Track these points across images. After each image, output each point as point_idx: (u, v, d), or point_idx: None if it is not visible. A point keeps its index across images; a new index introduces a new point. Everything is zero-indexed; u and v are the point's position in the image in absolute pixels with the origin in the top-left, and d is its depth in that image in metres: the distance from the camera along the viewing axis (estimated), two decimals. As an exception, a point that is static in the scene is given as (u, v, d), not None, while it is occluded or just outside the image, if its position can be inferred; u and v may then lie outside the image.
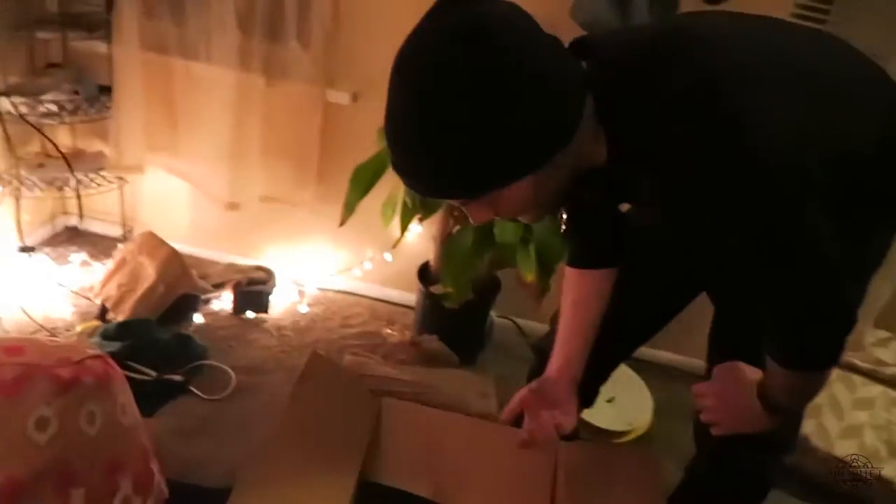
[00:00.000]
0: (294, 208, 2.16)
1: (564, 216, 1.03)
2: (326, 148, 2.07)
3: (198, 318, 2.01)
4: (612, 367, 1.30)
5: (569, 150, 0.80)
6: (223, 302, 2.09)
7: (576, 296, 1.16)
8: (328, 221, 2.07)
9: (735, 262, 0.85)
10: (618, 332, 1.17)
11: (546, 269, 1.80)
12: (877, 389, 1.80)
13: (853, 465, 1.71)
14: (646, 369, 2.13)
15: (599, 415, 1.84)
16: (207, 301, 2.07)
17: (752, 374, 0.98)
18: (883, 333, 1.94)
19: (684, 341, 2.16)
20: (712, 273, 1.14)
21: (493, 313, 2.09)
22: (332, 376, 1.35)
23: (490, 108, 0.74)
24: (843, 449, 1.73)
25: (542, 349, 1.32)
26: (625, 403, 1.95)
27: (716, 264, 1.10)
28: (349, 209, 1.78)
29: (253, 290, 2.08)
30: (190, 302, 2.00)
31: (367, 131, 1.75)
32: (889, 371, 1.80)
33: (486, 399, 1.82)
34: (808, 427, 1.72)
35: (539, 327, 2.14)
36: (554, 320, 1.32)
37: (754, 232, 0.80)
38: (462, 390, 1.82)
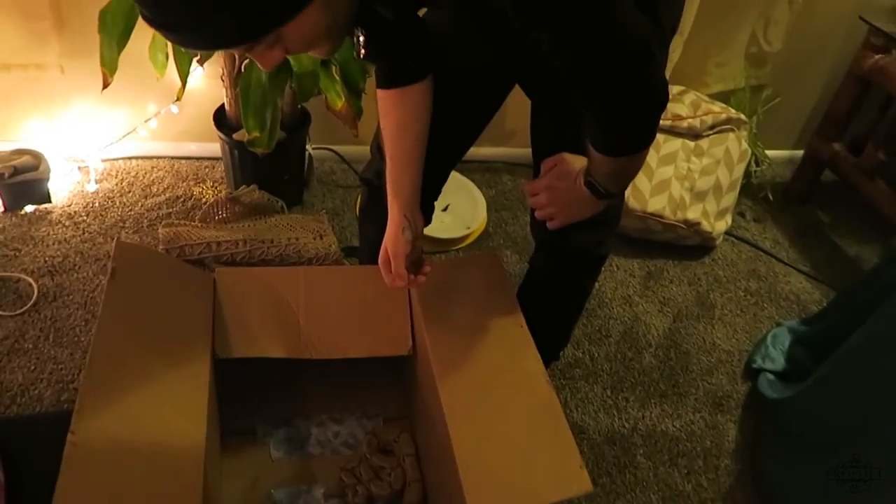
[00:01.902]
0: (40, 72, 1.78)
1: (361, 39, 0.91)
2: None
3: (-37, 227, 1.69)
4: (444, 180, 1.27)
5: None
6: (-10, 201, 1.77)
7: (396, 119, 1.07)
8: (90, 80, 1.74)
9: (546, 56, 0.80)
10: (444, 142, 1.12)
11: (354, 91, 1.67)
12: (677, 143, 1.94)
13: (664, 216, 1.90)
14: (471, 169, 2.15)
15: (438, 225, 1.85)
16: (-32, 205, 1.74)
17: (578, 162, 0.99)
18: (678, 88, 2.06)
19: (502, 135, 2.19)
20: (524, 70, 1.10)
21: (308, 147, 1.95)
22: (149, 262, 1.20)
23: None
24: (656, 204, 1.90)
25: (368, 180, 1.26)
26: (459, 208, 1.98)
27: (526, 62, 1.05)
28: (109, 66, 1.48)
29: (22, 179, 1.76)
30: (-55, 211, 1.66)
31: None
32: (685, 124, 1.94)
33: (324, 238, 1.75)
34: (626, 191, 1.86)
35: (361, 151, 2.04)
36: (374, 148, 1.24)
37: (564, 21, 0.74)
38: (296, 235, 1.73)
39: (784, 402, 1.42)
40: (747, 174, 2.18)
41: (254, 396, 1.31)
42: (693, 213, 1.93)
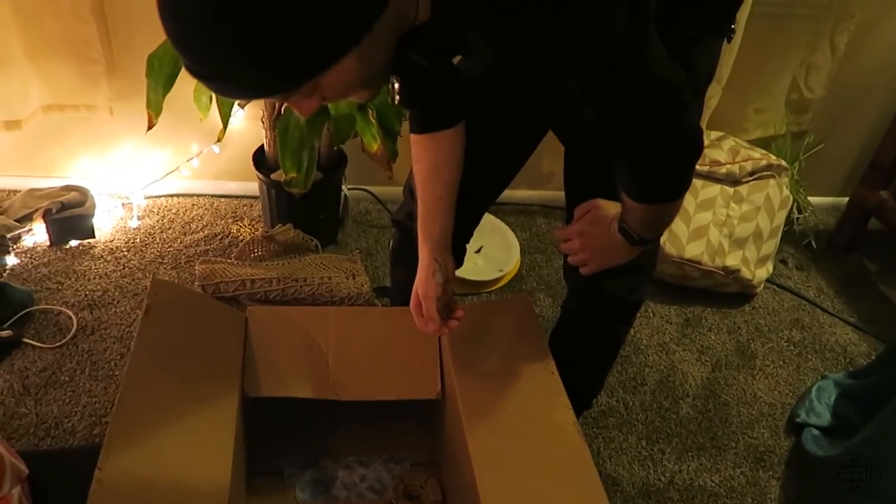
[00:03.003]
0: (91, 113, 1.85)
1: (396, 85, 0.92)
2: (109, 35, 1.75)
3: (11, 261, 1.74)
4: (475, 223, 1.27)
5: (388, 14, 0.68)
6: (36, 235, 1.82)
7: (428, 163, 1.08)
8: (137, 120, 1.80)
9: (577, 104, 0.80)
10: (476, 187, 1.12)
11: (390, 134, 1.69)
12: (716, 189, 1.91)
13: (702, 263, 1.86)
14: (505, 212, 2.15)
15: (470, 267, 1.85)
16: (16, 239, 1.79)
17: (612, 208, 0.99)
18: (716, 133, 2.04)
19: (537, 178, 2.19)
20: (556, 116, 1.10)
21: (344, 187, 1.98)
22: (183, 299, 1.22)
23: None
24: (693, 250, 1.86)
25: (400, 223, 1.27)
26: (492, 251, 1.97)
27: (558, 107, 1.06)
28: (155, 108, 1.53)
29: (69, 215, 1.82)
30: (-6, 245, 1.72)
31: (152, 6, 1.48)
32: (724, 170, 1.91)
33: (356, 278, 1.76)
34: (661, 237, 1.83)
35: (396, 192, 2.06)
36: (406, 190, 1.25)
37: (595, 71, 0.74)
38: (329, 275, 1.74)
39: (830, 459, 1.35)
40: (789, 221, 2.13)
41: (281, 437, 1.31)
42: (732, 260, 1.88)
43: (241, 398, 1.10)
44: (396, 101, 0.94)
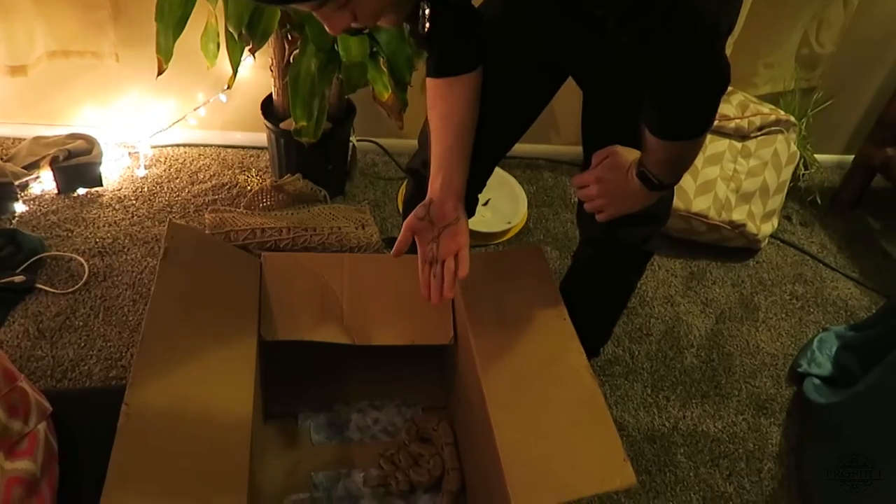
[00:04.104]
0: (96, 60, 1.83)
1: (427, 11, 0.90)
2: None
3: (20, 208, 1.74)
4: (489, 173, 1.27)
5: None
6: (44, 183, 1.81)
7: (444, 108, 1.07)
8: (143, 68, 1.79)
9: (610, 34, 0.79)
10: (489, 136, 1.12)
11: (400, 84, 1.68)
12: (724, 143, 1.91)
13: (708, 217, 1.87)
14: (512, 165, 2.15)
15: (478, 219, 1.85)
16: (24, 186, 1.79)
17: (630, 154, 0.99)
18: (724, 88, 2.03)
19: (544, 131, 2.18)
20: (579, 59, 1.09)
21: (353, 139, 1.97)
22: (199, 244, 1.22)
23: None
24: (700, 204, 1.87)
25: (414, 170, 1.26)
26: (500, 203, 1.98)
27: (583, 50, 1.05)
28: (165, 54, 1.51)
29: (76, 163, 1.81)
30: (2, 191, 1.71)
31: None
32: (732, 125, 1.91)
33: (365, 228, 1.76)
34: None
35: (404, 144, 2.07)
36: (422, 138, 1.24)
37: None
38: (339, 224, 1.75)
39: (832, 406, 1.39)
40: (795, 177, 2.14)
41: (296, 381, 1.33)
42: (738, 215, 1.89)
43: (258, 341, 1.12)
44: (426, 29, 0.93)
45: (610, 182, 1.02)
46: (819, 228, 2.17)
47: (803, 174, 2.21)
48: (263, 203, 1.80)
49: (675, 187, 1.07)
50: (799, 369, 1.60)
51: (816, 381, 1.53)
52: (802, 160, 2.18)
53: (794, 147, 1.99)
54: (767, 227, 1.97)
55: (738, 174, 1.90)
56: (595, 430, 1.02)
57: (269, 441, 1.24)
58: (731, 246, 1.97)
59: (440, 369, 1.39)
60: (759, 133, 1.94)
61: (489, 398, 1.05)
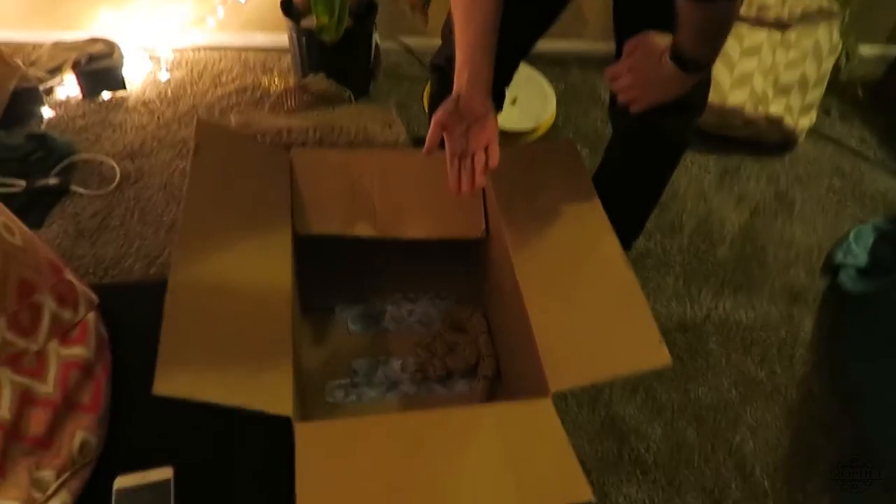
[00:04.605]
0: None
1: None
2: None
3: (47, 112, 1.74)
4: (515, 67, 1.24)
5: None
6: (67, 88, 1.80)
7: (467, 0, 1.03)
8: (159, -33, 1.74)
9: None
10: (516, 29, 1.08)
11: (426, -28, 1.61)
12: (762, 34, 1.83)
13: (745, 111, 1.82)
14: (539, 62, 2.08)
15: (506, 117, 1.82)
16: (49, 91, 1.78)
17: (662, 40, 0.96)
18: (765, -26, 1.92)
19: (573, 27, 2.10)
20: None
21: (376, 37, 1.91)
22: (228, 140, 1.22)
23: None
24: (736, 98, 1.81)
25: (439, 66, 1.23)
26: (527, 101, 1.93)
27: None
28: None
29: (98, 67, 1.79)
30: (29, 96, 1.70)
31: None
32: (772, 14, 1.82)
33: (392, 128, 1.74)
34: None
35: (428, 43, 2.00)
36: (445, 32, 1.20)
37: None
38: (365, 124, 1.72)
39: (868, 296, 1.38)
40: (836, 70, 2.05)
41: (330, 276, 1.34)
42: (776, 108, 1.83)
43: (292, 235, 1.12)
44: None
45: (643, 70, 0.99)
46: (859, 123, 2.10)
47: (844, 66, 2.12)
48: (288, 104, 1.78)
49: (710, 81, 1.04)
50: (835, 260, 1.58)
51: (852, 272, 1.52)
52: (844, 52, 2.09)
53: (836, 37, 1.90)
54: (805, 121, 1.90)
55: (776, 66, 1.83)
56: (630, 313, 1.03)
57: (307, 332, 1.27)
58: (766, 141, 1.92)
59: (473, 264, 1.40)
60: (799, 23, 1.85)
61: (523, 286, 1.05)
